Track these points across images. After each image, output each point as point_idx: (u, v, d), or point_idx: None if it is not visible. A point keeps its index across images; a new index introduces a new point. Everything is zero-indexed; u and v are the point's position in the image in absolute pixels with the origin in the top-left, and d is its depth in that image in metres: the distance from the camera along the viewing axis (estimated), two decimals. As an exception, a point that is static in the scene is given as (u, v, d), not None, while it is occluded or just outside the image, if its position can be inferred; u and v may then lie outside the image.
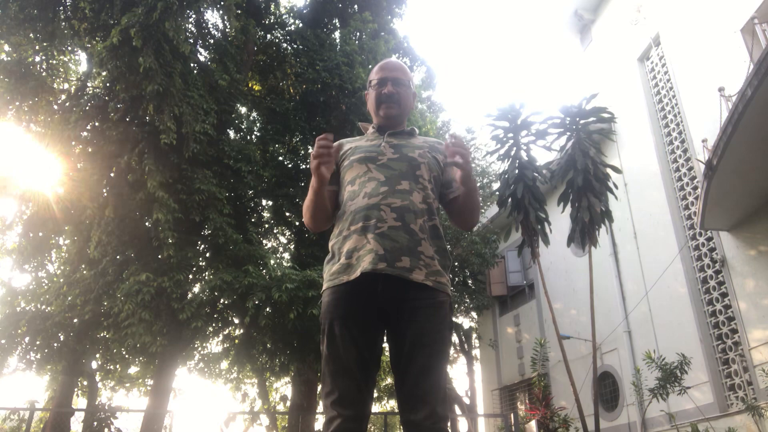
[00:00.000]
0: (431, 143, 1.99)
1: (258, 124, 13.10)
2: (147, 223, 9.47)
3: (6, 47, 9.93)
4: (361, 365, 1.65)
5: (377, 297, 1.66)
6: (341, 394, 1.62)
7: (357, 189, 1.80)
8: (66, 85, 11.37)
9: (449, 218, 1.98)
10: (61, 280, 9.82)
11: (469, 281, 15.13)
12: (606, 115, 8.06)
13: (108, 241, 9.13)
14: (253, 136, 12.56)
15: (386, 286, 1.65)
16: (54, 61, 10.89)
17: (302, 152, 12.99)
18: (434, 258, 1.74)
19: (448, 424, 1.68)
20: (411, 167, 1.83)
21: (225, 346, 12.75)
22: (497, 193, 8.32)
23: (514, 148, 7.96)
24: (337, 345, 1.65)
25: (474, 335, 17.14)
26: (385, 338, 1.76)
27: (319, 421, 11.11)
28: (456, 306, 14.34)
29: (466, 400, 16.23)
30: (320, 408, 11.65)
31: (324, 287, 1.77)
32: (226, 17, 11.30)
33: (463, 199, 1.85)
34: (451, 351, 8.41)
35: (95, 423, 9.65)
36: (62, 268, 11.19)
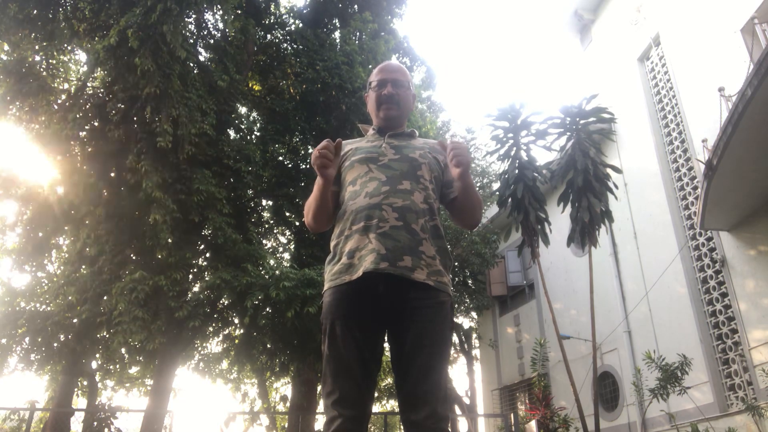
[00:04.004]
0: (431, 144, 2.00)
1: (258, 124, 13.09)
2: (150, 221, 9.47)
3: (6, 47, 9.92)
4: (362, 365, 1.65)
5: (379, 297, 1.67)
6: (342, 395, 1.62)
7: (358, 189, 1.80)
8: (66, 85, 11.35)
9: (451, 217, 1.98)
10: (62, 282, 9.80)
11: (469, 281, 15.12)
12: (606, 116, 8.06)
13: (106, 239, 9.11)
14: (253, 136, 12.55)
15: (388, 285, 1.66)
16: (54, 61, 10.87)
17: (302, 152, 12.99)
18: (435, 258, 1.75)
19: (449, 424, 1.68)
20: (412, 167, 1.84)
21: (225, 346, 12.76)
22: (497, 193, 8.32)
23: (514, 148, 7.96)
24: (338, 345, 1.65)
25: (474, 335, 17.12)
26: (385, 338, 1.76)
27: (319, 421, 11.11)
28: (456, 306, 14.33)
29: (466, 400, 16.21)
30: (320, 408, 11.65)
31: (325, 287, 1.77)
32: (225, 17, 11.28)
33: (462, 197, 1.85)
34: (452, 351, 8.42)
35: (95, 423, 9.66)
36: (62, 268, 11.17)
